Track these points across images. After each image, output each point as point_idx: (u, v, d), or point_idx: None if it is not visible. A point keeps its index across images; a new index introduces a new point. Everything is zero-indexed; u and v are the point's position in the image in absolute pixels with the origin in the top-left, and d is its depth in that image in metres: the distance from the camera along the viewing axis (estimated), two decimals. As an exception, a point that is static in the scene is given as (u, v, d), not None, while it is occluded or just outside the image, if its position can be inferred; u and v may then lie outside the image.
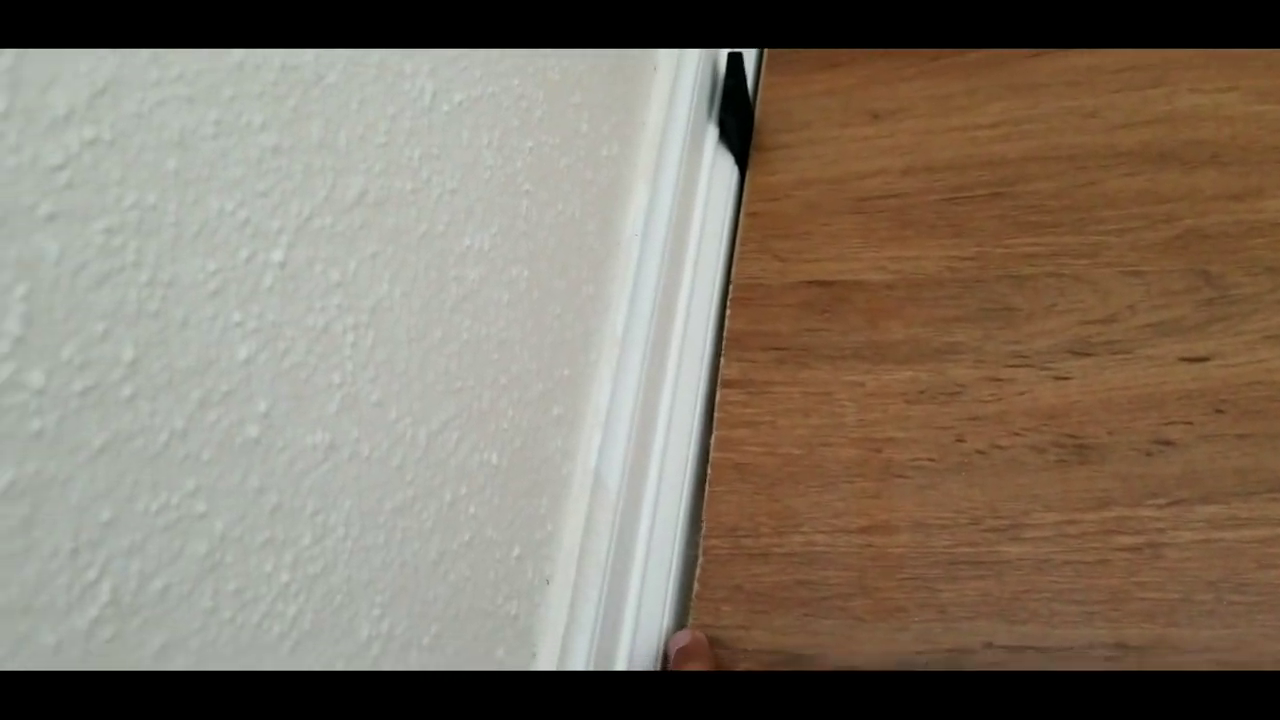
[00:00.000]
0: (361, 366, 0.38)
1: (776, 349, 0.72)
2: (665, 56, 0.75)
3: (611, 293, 0.61)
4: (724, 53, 0.81)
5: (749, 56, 0.87)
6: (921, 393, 0.68)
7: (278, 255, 0.34)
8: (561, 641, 0.52)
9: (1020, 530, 0.62)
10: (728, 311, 0.74)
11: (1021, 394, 0.67)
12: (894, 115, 0.82)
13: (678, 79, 0.74)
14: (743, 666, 0.61)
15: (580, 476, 0.56)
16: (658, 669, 0.60)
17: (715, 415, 0.70)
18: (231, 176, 0.33)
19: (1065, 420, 0.65)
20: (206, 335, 0.31)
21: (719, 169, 0.80)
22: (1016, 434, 0.65)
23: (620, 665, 0.56)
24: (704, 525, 0.67)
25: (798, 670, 0.60)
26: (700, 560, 0.65)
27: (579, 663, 0.52)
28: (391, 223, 0.40)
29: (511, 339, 0.49)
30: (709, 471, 0.68)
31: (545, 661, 0.52)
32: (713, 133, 0.80)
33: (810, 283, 0.74)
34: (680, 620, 0.64)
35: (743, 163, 0.83)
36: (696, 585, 0.65)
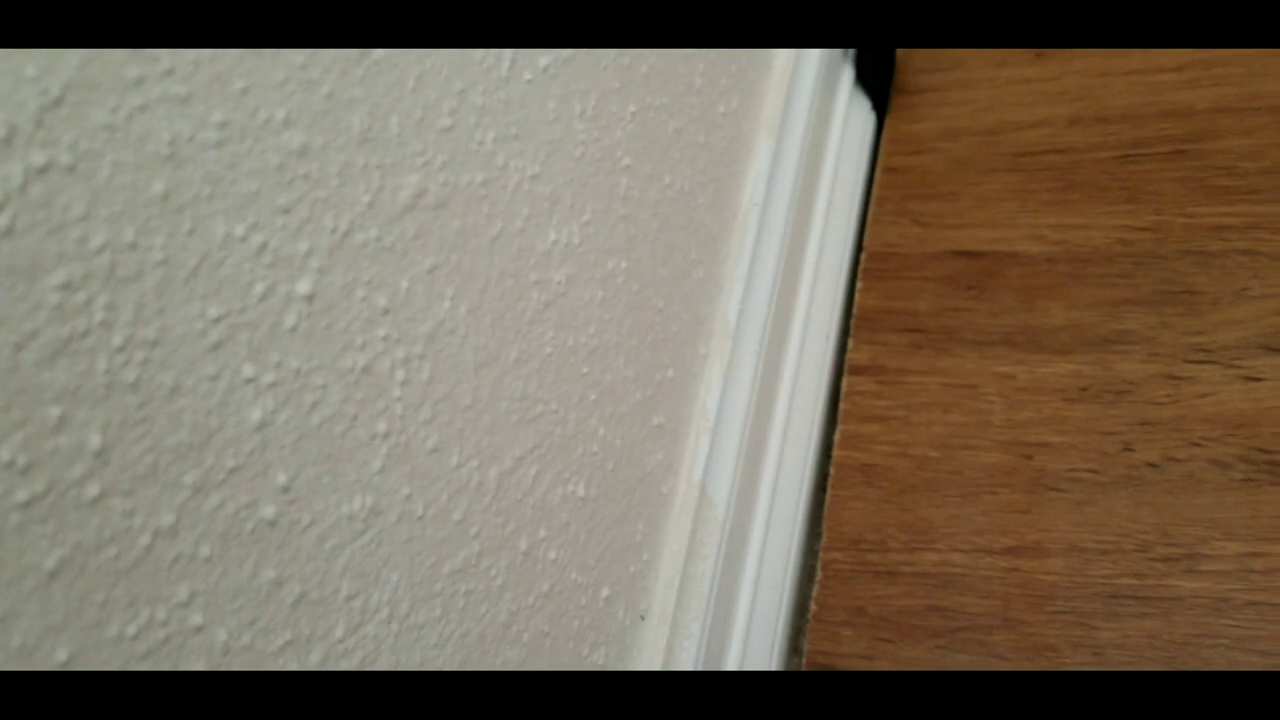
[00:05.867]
0: (414, 408, 0.32)
1: (913, 330, 0.63)
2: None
3: (724, 274, 0.53)
4: (863, -19, 0.71)
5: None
6: (1083, 390, 0.59)
7: (304, 286, 0.28)
8: (656, 683, 0.46)
9: (1196, 561, 0.53)
10: (858, 284, 0.65)
11: (1203, 396, 0.57)
12: (1060, 54, 0.71)
13: (809, 15, 0.65)
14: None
15: (683, 492, 0.49)
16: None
17: (840, 407, 0.62)
18: (242, 192, 0.26)
19: (1256, 431, 0.55)
20: (204, 401, 0.25)
21: (854, 115, 0.70)
22: (1196, 444, 0.56)
23: (723, 707, 0.49)
24: (824, 535, 0.59)
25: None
26: (819, 575, 0.58)
27: (676, 708, 0.46)
28: (456, 226, 0.33)
29: (605, 345, 0.42)
30: (831, 471, 0.60)
31: (637, 707, 0.46)
32: (849, 73, 0.71)
33: (956, 253, 0.65)
34: (793, 648, 0.58)
35: (881, 108, 0.73)
36: (813, 605, 0.57)
